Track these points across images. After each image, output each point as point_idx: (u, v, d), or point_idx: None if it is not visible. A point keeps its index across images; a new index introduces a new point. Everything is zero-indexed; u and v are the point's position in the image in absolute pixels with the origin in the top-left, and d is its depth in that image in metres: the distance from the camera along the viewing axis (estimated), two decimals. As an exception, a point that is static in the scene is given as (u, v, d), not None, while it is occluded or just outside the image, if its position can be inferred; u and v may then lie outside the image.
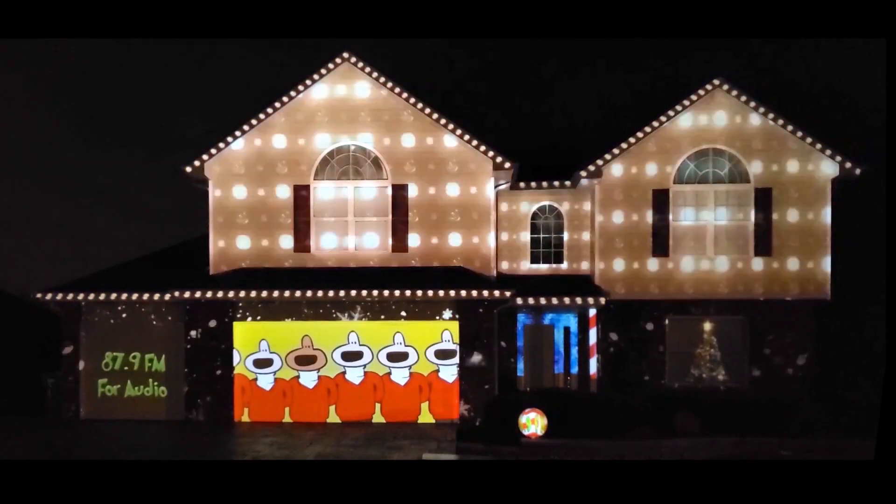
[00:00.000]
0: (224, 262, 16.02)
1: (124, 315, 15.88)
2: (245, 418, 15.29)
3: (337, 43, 15.94)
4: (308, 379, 15.35)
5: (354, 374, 15.34)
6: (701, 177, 16.44)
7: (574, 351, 17.12)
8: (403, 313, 15.34)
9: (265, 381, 15.37)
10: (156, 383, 15.84)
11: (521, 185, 17.09)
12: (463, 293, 14.84)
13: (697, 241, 16.46)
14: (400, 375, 15.30)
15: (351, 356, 15.37)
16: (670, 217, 16.41)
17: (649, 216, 16.44)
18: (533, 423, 12.89)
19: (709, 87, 16.16)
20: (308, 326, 15.39)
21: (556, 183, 17.15)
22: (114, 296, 15.52)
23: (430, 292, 14.81)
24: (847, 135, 17.75)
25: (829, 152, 15.98)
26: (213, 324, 15.29)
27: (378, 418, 15.22)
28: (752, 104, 16.11)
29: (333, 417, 15.24)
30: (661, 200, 16.43)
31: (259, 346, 15.39)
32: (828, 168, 16.07)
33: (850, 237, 17.09)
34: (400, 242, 15.99)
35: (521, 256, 17.49)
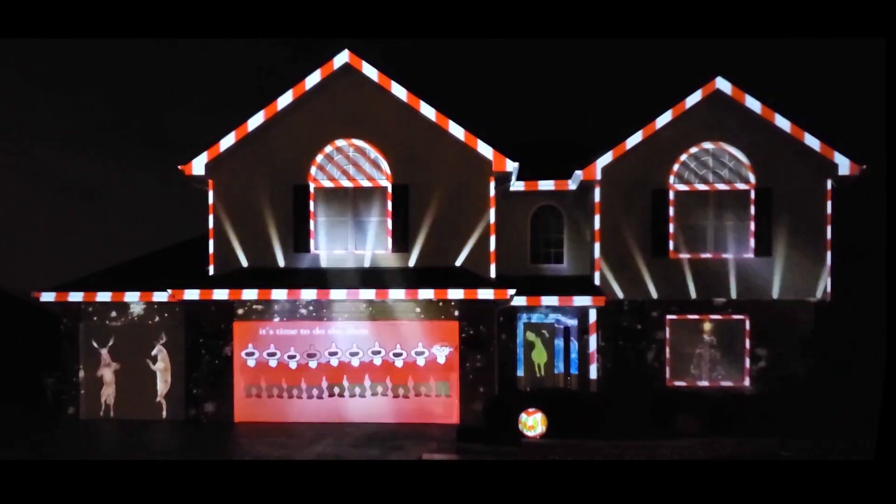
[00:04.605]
0: (224, 262, 16.01)
1: (124, 315, 15.88)
2: (245, 418, 15.29)
3: (337, 43, 15.94)
4: (308, 379, 15.34)
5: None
6: (701, 176, 16.44)
7: (574, 351, 17.11)
8: (403, 314, 15.33)
9: (265, 381, 15.36)
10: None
11: (522, 184, 17.09)
12: (463, 293, 14.83)
13: (697, 241, 16.45)
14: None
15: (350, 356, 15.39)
16: (670, 217, 16.41)
17: (649, 216, 16.43)
18: (533, 423, 12.90)
19: (709, 86, 16.15)
20: (307, 326, 15.39)
21: (557, 183, 17.15)
22: (113, 296, 15.52)
23: (430, 292, 14.81)
24: (847, 135, 17.74)
25: (828, 152, 15.98)
26: (212, 324, 15.29)
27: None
28: (753, 103, 16.10)
29: (334, 416, 15.22)
30: (660, 200, 16.43)
31: (259, 346, 15.39)
32: (828, 168, 16.06)
33: (850, 237, 17.08)
34: (400, 242, 15.99)
35: (521, 256, 17.48)
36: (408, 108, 15.91)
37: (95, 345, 15.80)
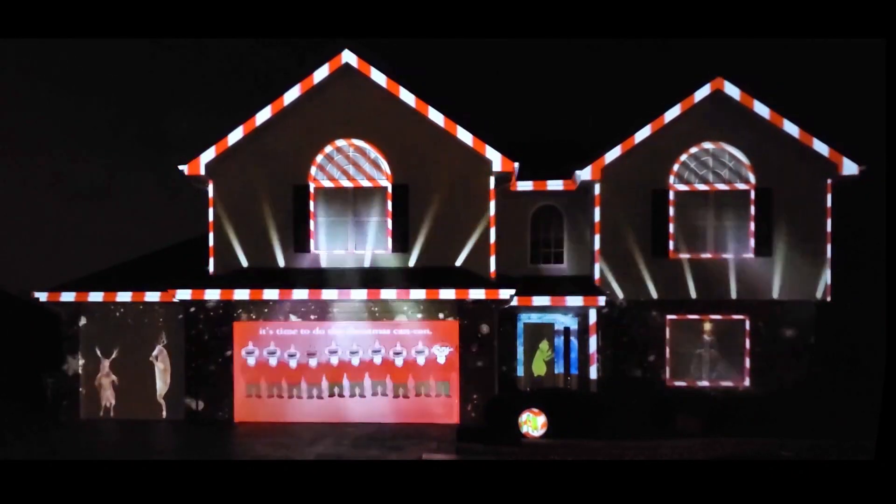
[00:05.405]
0: (224, 262, 16.00)
1: (124, 315, 15.86)
2: (245, 418, 15.28)
3: (337, 43, 15.93)
4: (308, 379, 15.34)
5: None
6: (701, 177, 16.44)
7: (574, 351, 17.11)
8: (403, 314, 15.33)
9: (265, 381, 15.36)
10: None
11: (522, 184, 17.08)
12: (463, 293, 14.83)
13: (697, 241, 16.45)
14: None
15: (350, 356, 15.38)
16: (670, 217, 16.40)
17: (649, 216, 16.43)
18: (533, 423, 12.90)
19: (709, 86, 16.14)
20: (307, 326, 15.39)
21: (557, 183, 17.15)
22: (113, 296, 15.51)
23: (431, 292, 14.80)
24: (847, 135, 17.74)
25: (828, 152, 15.98)
26: (212, 324, 15.29)
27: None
28: (752, 103, 16.10)
29: (334, 416, 15.21)
30: (660, 200, 16.42)
31: (259, 346, 15.39)
32: (828, 167, 16.06)
33: (850, 237, 17.07)
34: (400, 242, 15.98)
35: (521, 256, 17.47)
36: (408, 108, 15.89)
37: (99, 353, 15.80)
